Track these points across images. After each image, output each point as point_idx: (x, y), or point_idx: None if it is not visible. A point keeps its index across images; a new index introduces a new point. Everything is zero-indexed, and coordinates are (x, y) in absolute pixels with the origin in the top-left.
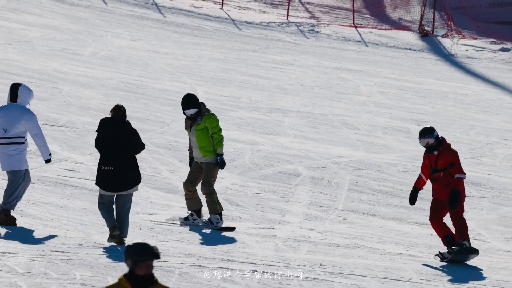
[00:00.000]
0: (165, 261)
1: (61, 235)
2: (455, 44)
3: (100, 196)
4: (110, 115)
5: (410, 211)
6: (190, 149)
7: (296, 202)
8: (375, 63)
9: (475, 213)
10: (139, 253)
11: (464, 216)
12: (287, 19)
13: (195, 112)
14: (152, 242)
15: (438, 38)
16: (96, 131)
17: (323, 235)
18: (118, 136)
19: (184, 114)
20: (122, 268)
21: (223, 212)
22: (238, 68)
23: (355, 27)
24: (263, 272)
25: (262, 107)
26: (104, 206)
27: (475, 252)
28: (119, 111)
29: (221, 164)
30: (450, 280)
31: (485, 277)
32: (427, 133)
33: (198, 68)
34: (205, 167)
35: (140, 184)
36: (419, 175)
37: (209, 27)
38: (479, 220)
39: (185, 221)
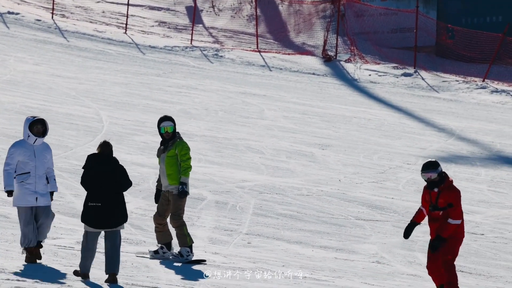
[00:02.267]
0: (69, 286)
1: None
2: (358, 69)
3: (85, 234)
4: (97, 151)
5: (315, 234)
6: (158, 180)
7: (201, 226)
8: (279, 87)
9: (379, 237)
10: None
11: (454, 264)
12: (191, 43)
13: (171, 126)
14: (55, 267)
15: (341, 63)
16: (83, 167)
17: (228, 259)
18: (106, 172)
19: (159, 132)
20: None
21: (193, 244)
22: (142, 92)
23: (259, 51)
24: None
25: None
26: (87, 244)
27: None
28: (107, 148)
29: (181, 193)
30: None
31: None
32: (430, 167)
33: (102, 92)
34: (172, 199)
35: None
36: (419, 209)
37: (112, 51)
38: (383, 244)
39: (155, 254)
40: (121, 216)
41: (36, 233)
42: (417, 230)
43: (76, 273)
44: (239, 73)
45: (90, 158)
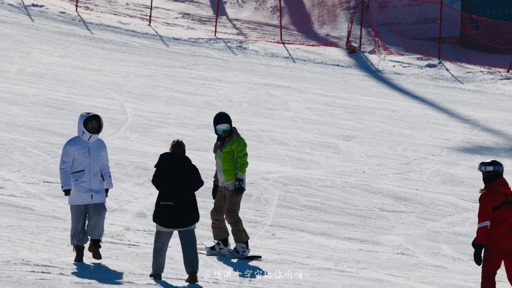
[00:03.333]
0: (93, 278)
1: None
2: (382, 60)
3: (157, 234)
4: (170, 151)
5: (339, 226)
6: (215, 176)
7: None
8: (303, 79)
9: (403, 228)
10: None
11: (489, 276)
12: (215, 35)
13: (227, 127)
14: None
15: (365, 54)
16: (155, 166)
17: (252, 251)
18: (178, 172)
19: (216, 132)
20: (50, 285)
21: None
22: (166, 84)
23: (283, 43)
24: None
25: (190, 123)
26: (158, 244)
27: None
28: (180, 147)
29: (238, 190)
30: None
31: None
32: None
33: (126, 85)
34: (228, 195)
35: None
36: (485, 225)
37: (136, 44)
38: (407, 235)
39: (211, 250)
40: (193, 215)
41: (85, 232)
42: (441, 222)
43: (150, 275)
44: (263, 64)
45: (163, 157)
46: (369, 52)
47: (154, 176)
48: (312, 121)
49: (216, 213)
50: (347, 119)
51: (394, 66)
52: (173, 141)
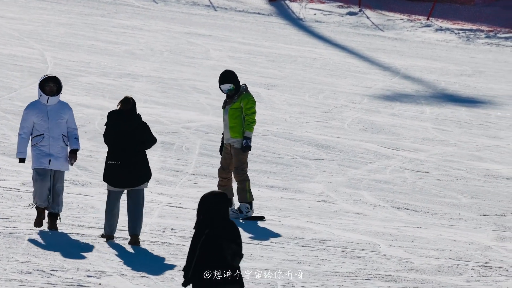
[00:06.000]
0: (14, 227)
1: None
2: (303, 8)
3: (108, 194)
4: (118, 108)
5: (260, 174)
6: (223, 133)
7: None
8: (224, 27)
9: (324, 176)
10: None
11: None
12: None
13: (231, 88)
14: (0, 209)
15: (286, 2)
16: (105, 124)
17: (174, 200)
18: (127, 130)
19: (220, 89)
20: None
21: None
22: (87, 33)
23: None
24: (115, 236)
25: (111, 72)
26: (109, 203)
27: None
28: (127, 104)
29: (245, 148)
30: (299, 242)
31: (334, 239)
32: None
33: (46, 33)
34: (234, 153)
35: None
36: None
37: None
38: (328, 183)
39: None
40: (144, 174)
41: (50, 198)
42: (362, 169)
43: (102, 236)
44: (184, 13)
45: (111, 115)
46: (290, 0)
47: (104, 134)
48: (234, 70)
49: (223, 171)
50: (268, 67)
51: (315, 14)
52: (122, 98)
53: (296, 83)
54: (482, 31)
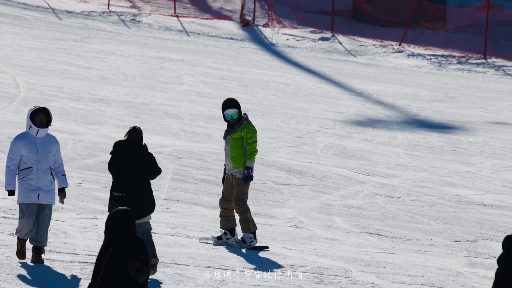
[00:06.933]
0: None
1: None
2: (276, 34)
3: None
4: (125, 138)
5: None
6: (225, 164)
7: None
8: (197, 52)
9: (297, 201)
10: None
11: None
12: (108, 8)
13: (235, 113)
14: None
15: (259, 27)
16: (110, 153)
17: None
18: (132, 161)
19: (224, 119)
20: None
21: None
22: (59, 57)
23: (177, 16)
24: (85, 262)
25: (84, 97)
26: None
27: None
28: (135, 134)
29: (247, 178)
30: (272, 269)
31: (307, 265)
32: None
33: (18, 58)
34: (235, 183)
35: None
36: None
37: (29, 17)
38: (301, 208)
39: (218, 240)
40: (147, 206)
41: (34, 231)
42: (334, 194)
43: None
44: (157, 38)
45: (117, 145)
46: (263, 26)
47: (109, 164)
48: (206, 95)
49: (224, 202)
50: (241, 92)
51: (287, 39)
52: (130, 128)
53: (269, 108)
54: (454, 57)
